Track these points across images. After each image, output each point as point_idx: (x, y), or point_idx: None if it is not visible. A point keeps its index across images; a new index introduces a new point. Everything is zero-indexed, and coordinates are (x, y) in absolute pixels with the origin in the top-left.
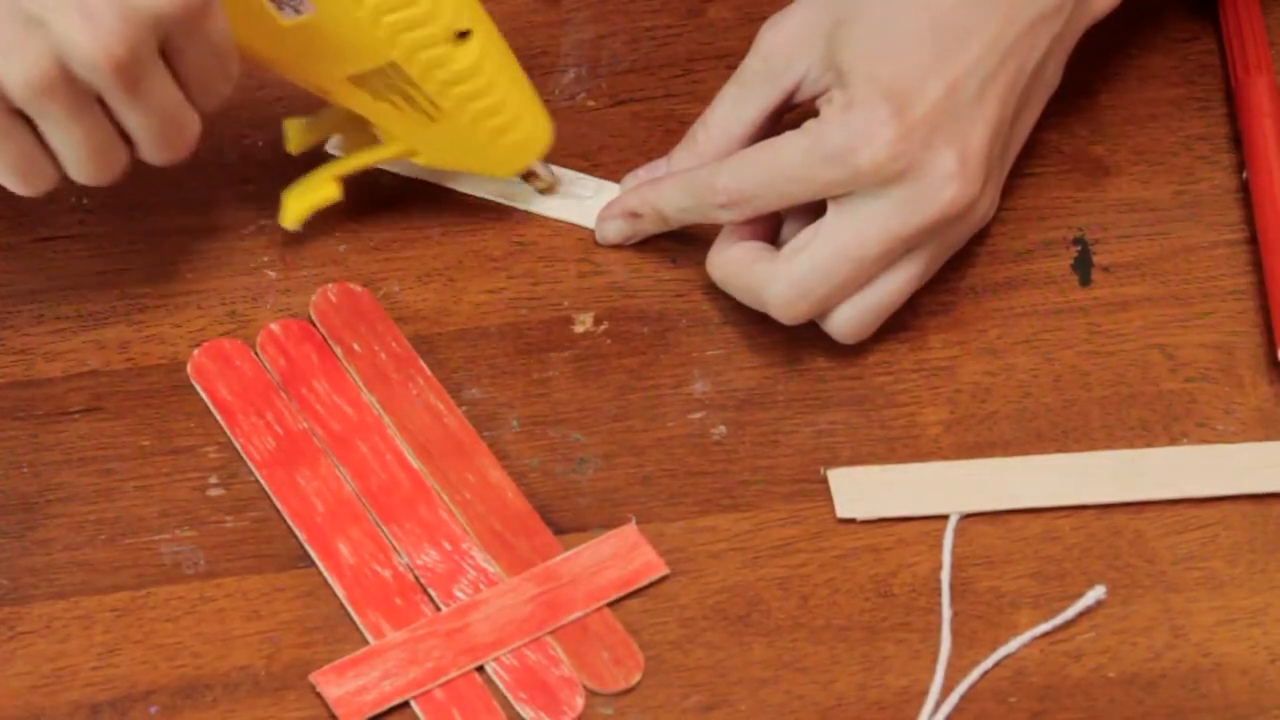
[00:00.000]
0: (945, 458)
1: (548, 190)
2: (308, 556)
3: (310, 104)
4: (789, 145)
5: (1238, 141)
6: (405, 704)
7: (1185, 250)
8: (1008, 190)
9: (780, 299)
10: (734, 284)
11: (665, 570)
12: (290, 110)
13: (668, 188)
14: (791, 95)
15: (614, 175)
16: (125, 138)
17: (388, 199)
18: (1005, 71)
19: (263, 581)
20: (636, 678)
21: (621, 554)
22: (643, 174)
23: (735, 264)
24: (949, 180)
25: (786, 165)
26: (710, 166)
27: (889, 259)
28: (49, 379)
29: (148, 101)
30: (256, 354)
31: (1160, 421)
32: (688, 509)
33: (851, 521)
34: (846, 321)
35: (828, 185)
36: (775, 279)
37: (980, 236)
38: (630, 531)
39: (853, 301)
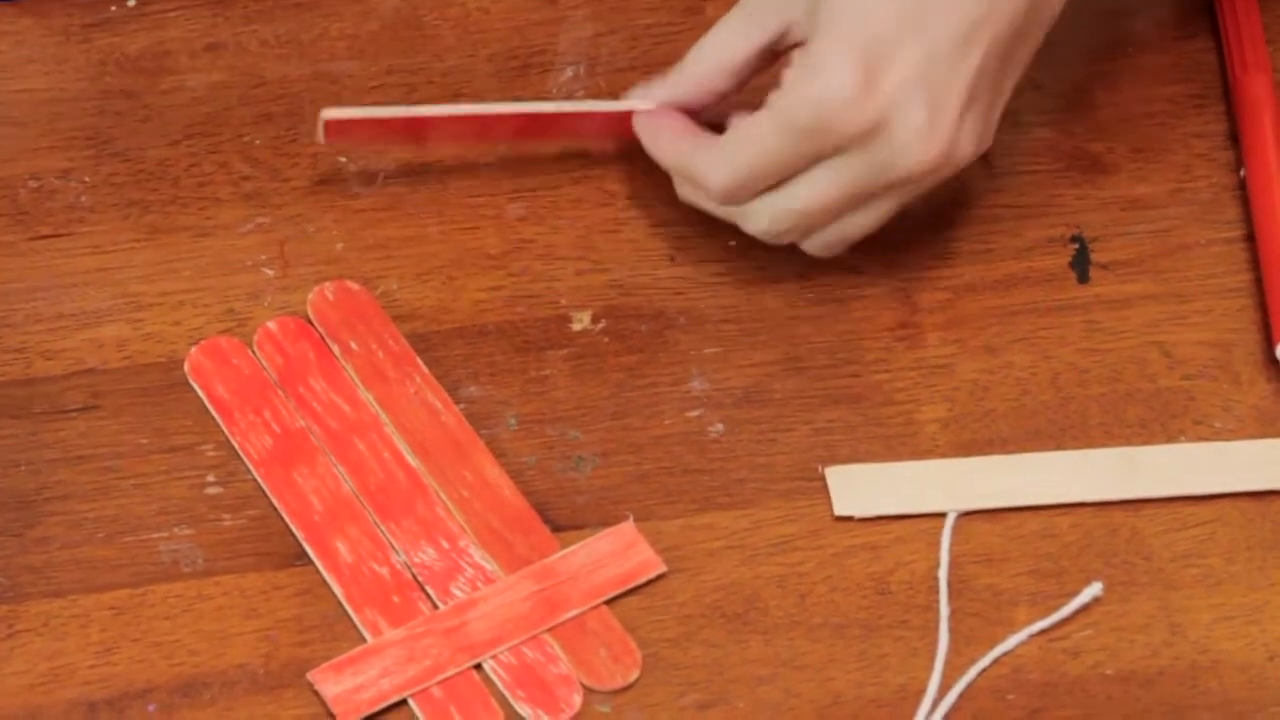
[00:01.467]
0: (943, 455)
1: None
2: (305, 554)
3: (317, 101)
4: (765, 133)
5: (1235, 139)
6: (403, 702)
7: (1183, 248)
8: (1005, 188)
9: (759, 230)
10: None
11: (663, 568)
12: (289, 109)
13: (672, 161)
14: (781, 38)
15: (611, 175)
16: None
17: (386, 197)
18: (995, 16)
19: (260, 579)
20: (634, 675)
21: (619, 552)
22: (640, 88)
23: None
24: (917, 140)
25: (772, 152)
26: (702, 159)
27: (854, 206)
28: (47, 377)
29: None
30: (254, 352)
31: (1158, 419)
32: (685, 507)
33: (849, 519)
34: (816, 247)
35: (814, 155)
36: (751, 214)
37: (978, 234)
38: (628, 529)
39: (822, 231)
